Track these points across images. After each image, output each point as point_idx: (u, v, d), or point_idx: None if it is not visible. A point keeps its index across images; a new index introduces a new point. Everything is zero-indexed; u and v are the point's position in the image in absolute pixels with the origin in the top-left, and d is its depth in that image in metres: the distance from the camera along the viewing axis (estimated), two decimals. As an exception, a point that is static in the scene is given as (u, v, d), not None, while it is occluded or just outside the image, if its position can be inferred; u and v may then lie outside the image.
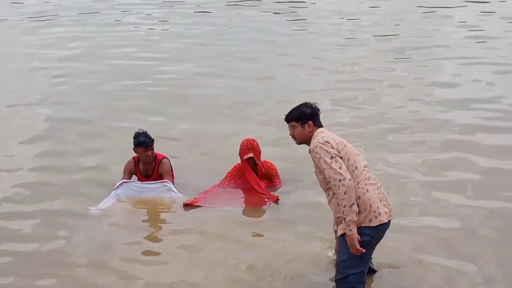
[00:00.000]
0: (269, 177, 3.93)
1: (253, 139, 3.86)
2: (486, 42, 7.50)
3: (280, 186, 3.92)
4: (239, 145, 3.87)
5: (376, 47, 7.57)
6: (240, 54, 7.34)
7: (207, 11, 9.70)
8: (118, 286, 2.93)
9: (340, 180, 2.62)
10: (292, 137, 2.87)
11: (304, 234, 3.32)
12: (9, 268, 3.07)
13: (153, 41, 8.19)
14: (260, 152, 3.84)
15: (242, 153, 3.80)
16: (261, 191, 3.77)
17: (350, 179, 2.64)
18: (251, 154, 3.78)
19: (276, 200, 3.70)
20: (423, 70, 6.55)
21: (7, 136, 4.99)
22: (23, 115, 5.57)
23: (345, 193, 2.62)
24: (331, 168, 2.64)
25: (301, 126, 2.82)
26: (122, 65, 7.06)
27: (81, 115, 5.45)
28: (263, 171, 3.90)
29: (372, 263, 2.94)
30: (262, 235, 3.42)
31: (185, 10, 9.81)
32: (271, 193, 3.79)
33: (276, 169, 3.94)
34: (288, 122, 2.86)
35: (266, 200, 3.75)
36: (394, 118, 5.17)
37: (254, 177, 3.81)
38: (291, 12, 9.47)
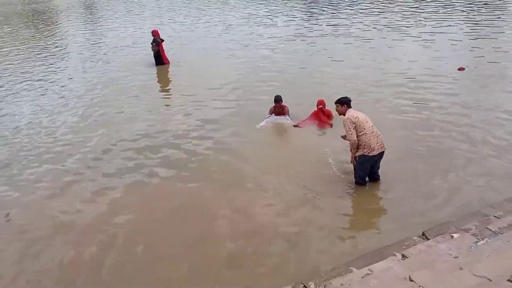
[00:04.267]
0: (328, 116, 8.75)
1: (322, 99, 8.76)
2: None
3: (333, 118, 8.69)
4: (316, 101, 8.80)
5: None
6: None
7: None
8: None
9: (350, 140, 5.93)
10: (336, 110, 6.30)
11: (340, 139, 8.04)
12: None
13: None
14: (325, 104, 8.71)
15: (317, 105, 8.70)
16: (325, 121, 8.64)
17: (355, 140, 5.82)
18: (321, 106, 8.74)
19: (331, 125, 8.55)
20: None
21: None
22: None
23: (351, 145, 5.99)
24: (348, 132, 5.88)
25: (341, 106, 6.11)
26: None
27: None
28: (326, 113, 8.76)
29: (378, 174, 6.25)
30: (324, 136, 8.29)
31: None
32: (330, 122, 8.69)
33: (332, 113, 8.67)
34: (335, 103, 6.19)
35: (327, 125, 8.58)
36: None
37: (322, 115, 8.69)
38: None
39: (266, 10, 24.51)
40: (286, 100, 9.10)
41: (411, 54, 12.94)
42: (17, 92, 12.55)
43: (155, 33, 13.96)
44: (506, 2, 20.00)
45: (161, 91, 12.11)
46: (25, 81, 13.65)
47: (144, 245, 5.55)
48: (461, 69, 11.00)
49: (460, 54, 12.56)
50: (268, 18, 21.64)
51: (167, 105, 10.61)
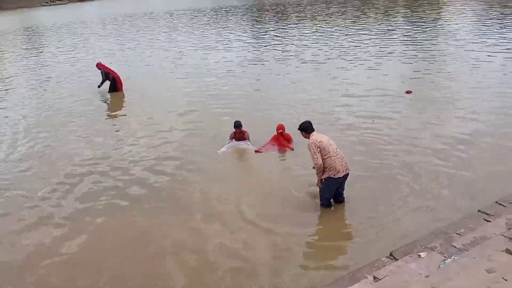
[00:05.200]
0: (288, 140, 8.78)
1: (282, 124, 8.81)
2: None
3: (292, 142, 8.72)
4: (276, 126, 8.79)
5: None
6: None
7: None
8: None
9: (316, 164, 5.96)
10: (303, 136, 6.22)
11: (301, 162, 8.08)
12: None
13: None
14: (284, 129, 8.75)
15: (277, 129, 8.73)
16: (286, 145, 8.68)
17: (321, 163, 5.87)
18: (281, 130, 8.79)
19: (292, 149, 8.58)
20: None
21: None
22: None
23: (317, 169, 5.99)
24: (313, 156, 5.91)
25: (301, 133, 6.19)
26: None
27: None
28: (285, 137, 8.81)
29: (343, 196, 6.33)
30: (285, 160, 8.36)
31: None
32: (290, 146, 8.70)
33: (291, 137, 8.75)
34: (298, 130, 6.24)
35: (287, 148, 8.62)
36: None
37: (282, 139, 8.71)
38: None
39: (217, 35, 24.74)
40: (243, 125, 9.05)
41: (361, 77, 13.44)
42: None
43: (100, 66, 13.61)
44: (444, 26, 21.47)
45: (117, 118, 11.74)
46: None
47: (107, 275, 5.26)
48: (408, 92, 11.54)
49: (406, 76, 13.21)
50: (220, 43, 21.85)
51: (125, 132, 10.29)
